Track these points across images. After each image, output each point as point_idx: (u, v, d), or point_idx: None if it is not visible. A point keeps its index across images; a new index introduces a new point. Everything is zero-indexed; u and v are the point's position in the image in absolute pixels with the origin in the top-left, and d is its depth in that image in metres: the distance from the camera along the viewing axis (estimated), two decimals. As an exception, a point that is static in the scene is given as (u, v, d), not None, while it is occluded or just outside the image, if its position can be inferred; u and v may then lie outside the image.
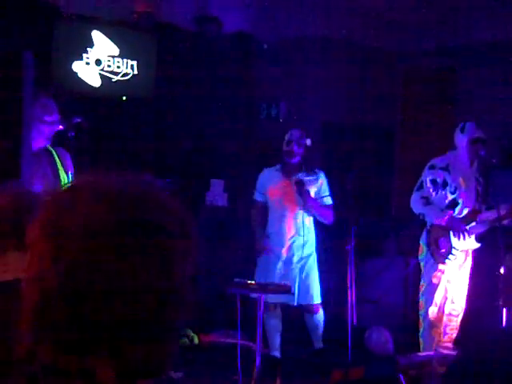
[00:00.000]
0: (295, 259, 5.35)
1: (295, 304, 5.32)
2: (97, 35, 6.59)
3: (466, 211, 5.19)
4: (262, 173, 5.51)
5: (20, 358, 0.94)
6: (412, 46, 7.67)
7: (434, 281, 5.13)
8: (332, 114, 7.52)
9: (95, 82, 6.61)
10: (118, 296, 0.93)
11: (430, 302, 5.14)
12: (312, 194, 5.33)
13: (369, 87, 7.64)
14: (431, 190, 5.13)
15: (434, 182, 5.13)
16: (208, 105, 7.15)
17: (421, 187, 5.18)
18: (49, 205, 0.98)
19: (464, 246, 5.15)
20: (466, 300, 5.22)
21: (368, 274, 6.24)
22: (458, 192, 5.15)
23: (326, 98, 7.44)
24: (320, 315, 5.41)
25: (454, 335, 5.20)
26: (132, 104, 6.79)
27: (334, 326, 5.59)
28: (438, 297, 5.13)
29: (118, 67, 6.71)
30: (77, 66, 6.50)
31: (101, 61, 6.62)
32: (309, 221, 5.40)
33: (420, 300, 5.25)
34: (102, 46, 6.63)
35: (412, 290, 6.13)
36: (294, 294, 5.14)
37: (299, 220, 5.32)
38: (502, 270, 4.98)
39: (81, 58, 6.51)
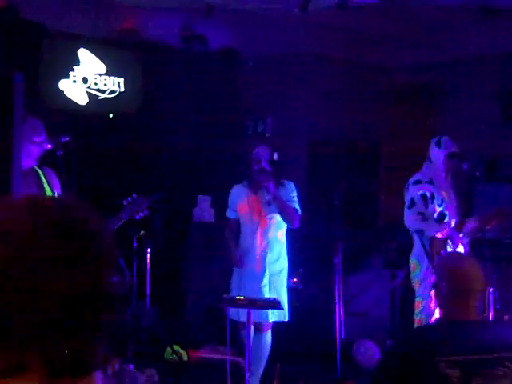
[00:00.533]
0: (266, 274, 5.28)
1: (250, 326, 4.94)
2: (83, 53, 6.64)
3: (453, 222, 5.25)
4: (232, 189, 5.46)
5: None
6: (397, 61, 7.77)
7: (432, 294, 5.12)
8: (318, 130, 7.59)
9: (82, 99, 6.64)
10: (37, 295, 0.97)
11: (430, 318, 5.13)
12: None
13: (355, 103, 7.72)
14: (423, 205, 5.11)
15: (423, 196, 5.16)
16: (195, 121, 7.20)
17: (412, 204, 5.14)
18: None
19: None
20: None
21: (355, 288, 6.28)
22: (443, 204, 5.21)
23: (313, 114, 7.51)
24: (268, 336, 5.26)
25: None
26: (119, 121, 6.83)
27: (322, 339, 5.62)
28: (437, 312, 5.12)
29: (105, 85, 6.75)
30: (63, 84, 6.53)
31: (87, 79, 6.66)
32: (281, 234, 5.38)
33: (417, 317, 5.21)
34: (89, 64, 6.67)
35: (399, 302, 6.18)
36: (283, 308, 5.10)
37: (270, 234, 5.30)
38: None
39: (67, 76, 6.55)
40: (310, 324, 5.97)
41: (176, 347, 5.81)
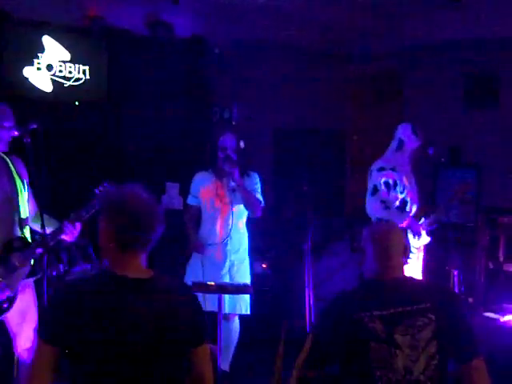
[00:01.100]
0: (227, 264, 5.26)
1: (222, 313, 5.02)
2: (47, 40, 6.55)
3: (414, 208, 5.32)
4: (195, 176, 5.44)
5: None
6: (360, 48, 7.83)
7: None
8: (284, 118, 7.62)
9: (47, 87, 6.57)
10: None
11: None
12: None
13: (319, 90, 7.77)
14: (386, 192, 5.18)
15: (386, 184, 5.21)
16: (161, 108, 7.17)
17: (375, 191, 5.19)
18: None
19: (419, 244, 5.29)
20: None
21: (324, 273, 6.34)
22: (405, 191, 5.27)
23: (278, 101, 7.54)
24: (235, 324, 5.30)
25: None
26: (85, 108, 6.77)
27: (294, 324, 5.66)
28: None
29: (70, 72, 6.68)
30: (28, 72, 6.45)
31: (52, 66, 6.58)
32: (242, 224, 5.35)
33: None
34: (53, 51, 6.59)
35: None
36: (251, 293, 5.09)
37: (231, 221, 5.27)
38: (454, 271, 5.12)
39: (32, 64, 6.46)
40: (280, 309, 6.01)
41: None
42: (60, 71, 6.62)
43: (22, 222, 4.11)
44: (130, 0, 6.70)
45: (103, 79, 6.84)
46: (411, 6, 6.77)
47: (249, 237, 5.37)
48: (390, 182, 5.20)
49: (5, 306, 3.98)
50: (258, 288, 5.27)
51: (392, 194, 5.20)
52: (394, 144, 5.34)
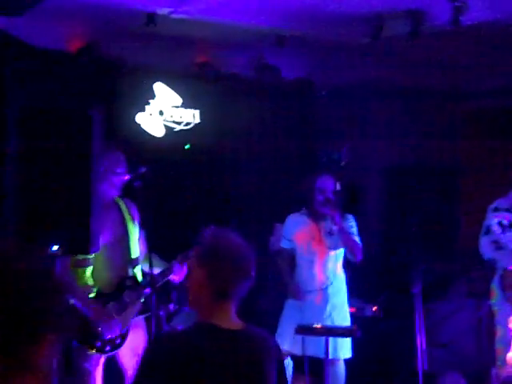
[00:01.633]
0: (328, 308, 5.14)
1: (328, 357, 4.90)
2: (159, 86, 6.77)
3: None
4: (288, 218, 5.35)
5: None
6: (473, 86, 7.61)
7: (510, 326, 4.97)
8: (393, 157, 7.48)
9: (159, 132, 6.77)
10: None
11: (508, 348, 4.98)
12: None
13: (430, 129, 7.59)
14: (499, 233, 5.02)
15: (500, 224, 5.03)
16: (269, 151, 7.22)
17: (488, 232, 5.07)
18: None
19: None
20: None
21: (437, 318, 6.09)
22: (525, 232, 5.04)
23: (387, 142, 7.43)
24: (341, 368, 5.12)
25: None
26: (195, 151, 6.91)
27: (405, 372, 5.46)
28: None
29: (181, 117, 6.86)
30: (140, 118, 6.67)
31: (163, 111, 6.79)
32: (339, 267, 5.21)
33: (497, 347, 5.08)
34: (165, 97, 6.80)
35: (485, 333, 5.95)
36: (359, 336, 4.92)
37: (330, 265, 5.14)
38: None
39: (143, 110, 6.69)
40: (391, 354, 5.82)
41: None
42: (171, 116, 6.81)
43: (133, 262, 4.26)
44: (238, 44, 6.84)
45: (212, 122, 6.98)
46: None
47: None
48: (504, 222, 5.01)
49: (118, 341, 4.13)
50: (367, 331, 5.13)
51: (507, 234, 4.99)
52: None
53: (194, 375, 2.26)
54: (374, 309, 6.19)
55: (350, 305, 6.14)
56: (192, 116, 6.91)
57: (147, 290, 4.17)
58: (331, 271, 5.16)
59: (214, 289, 2.41)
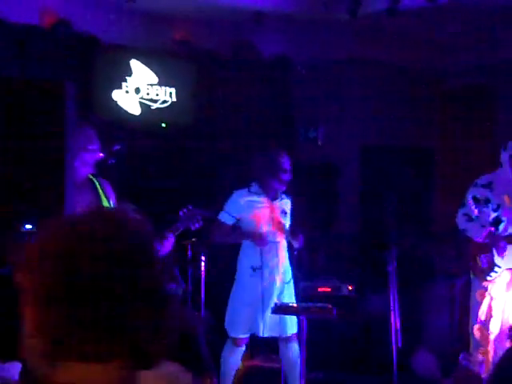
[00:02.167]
0: (283, 286, 5.01)
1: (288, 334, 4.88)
2: (135, 64, 6.70)
3: (511, 229, 5.12)
4: (236, 195, 5.03)
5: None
6: (450, 64, 7.62)
7: (478, 298, 5.10)
8: (371, 136, 7.49)
9: (135, 109, 6.70)
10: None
11: (474, 320, 5.09)
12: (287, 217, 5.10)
13: (407, 108, 7.60)
14: (473, 207, 5.16)
15: (475, 198, 5.17)
16: (247, 129, 7.18)
17: (463, 204, 5.21)
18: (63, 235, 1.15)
19: (509, 264, 5.06)
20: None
21: (412, 296, 6.14)
22: (501, 210, 5.11)
23: (365, 120, 7.42)
24: (296, 345, 4.95)
25: None
26: (172, 131, 6.86)
27: (379, 349, 5.50)
28: (481, 314, 5.05)
29: (157, 95, 6.80)
30: (116, 95, 6.60)
31: (140, 89, 6.72)
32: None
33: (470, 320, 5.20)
34: (141, 75, 6.72)
35: (458, 312, 6.01)
36: (336, 315, 4.88)
37: (285, 245, 5.04)
38: None
39: (120, 87, 6.62)
40: (366, 333, 5.86)
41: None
42: (147, 94, 6.75)
43: None
44: (215, 22, 6.78)
45: (189, 101, 6.93)
46: (508, 16, 6.52)
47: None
48: (479, 197, 5.13)
49: None
50: (343, 311, 5.14)
51: (483, 209, 5.11)
52: (503, 159, 5.14)
53: None
54: (350, 288, 6.22)
55: (325, 284, 6.16)
56: (169, 94, 6.85)
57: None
58: (286, 249, 5.10)
59: None
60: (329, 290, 6.15)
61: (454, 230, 5.27)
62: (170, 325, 1.14)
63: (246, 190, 5.05)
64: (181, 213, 4.36)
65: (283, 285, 5.03)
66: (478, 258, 5.12)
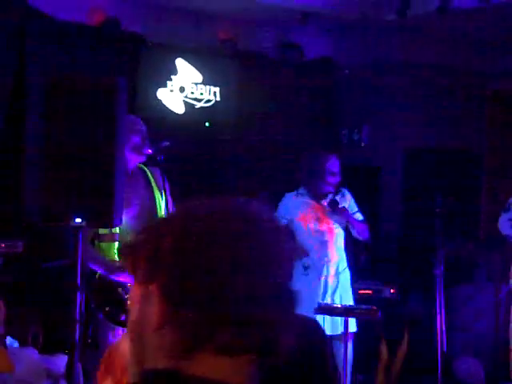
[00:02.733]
0: (339, 287, 5.06)
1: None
2: (180, 63, 6.73)
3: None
4: (287, 198, 5.11)
5: None
6: (498, 66, 7.51)
7: None
8: (416, 138, 7.41)
9: (179, 108, 6.73)
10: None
11: None
12: None
13: (454, 110, 7.50)
14: None
15: None
16: (290, 130, 7.16)
17: (508, 209, 5.09)
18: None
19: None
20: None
21: (457, 300, 6.06)
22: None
23: (410, 122, 7.35)
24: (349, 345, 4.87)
25: None
26: (215, 130, 6.87)
27: (424, 353, 5.43)
28: None
29: (201, 94, 6.82)
30: (161, 94, 6.64)
31: (184, 88, 6.74)
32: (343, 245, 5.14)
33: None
34: (186, 74, 6.75)
35: (503, 318, 5.91)
36: (380, 317, 4.86)
37: (339, 244, 5.06)
38: None
39: (165, 85, 6.65)
40: (410, 337, 5.79)
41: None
42: (192, 93, 6.77)
43: None
44: (261, 22, 6.78)
45: (233, 100, 6.93)
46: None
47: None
48: None
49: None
50: (386, 313, 5.09)
51: None
52: None
53: None
54: (392, 291, 6.15)
55: (367, 287, 6.11)
56: (213, 94, 6.87)
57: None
58: (340, 249, 5.10)
59: None
60: (370, 292, 6.10)
61: (500, 234, 5.18)
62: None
63: (294, 193, 5.12)
64: None
65: (337, 281, 5.04)
66: None
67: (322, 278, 5.01)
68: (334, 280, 5.05)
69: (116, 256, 4.02)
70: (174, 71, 6.70)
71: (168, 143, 4.23)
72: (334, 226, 5.05)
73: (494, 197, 6.93)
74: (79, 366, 3.66)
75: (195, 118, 6.80)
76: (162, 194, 4.17)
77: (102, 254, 4.03)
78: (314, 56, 7.29)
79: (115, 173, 3.52)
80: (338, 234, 5.09)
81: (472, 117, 7.61)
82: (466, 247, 6.58)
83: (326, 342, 1.43)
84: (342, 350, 4.88)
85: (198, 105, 6.81)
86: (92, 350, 3.97)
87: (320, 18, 6.61)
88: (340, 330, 4.88)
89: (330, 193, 5.05)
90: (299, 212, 5.03)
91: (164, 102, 6.65)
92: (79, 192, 3.56)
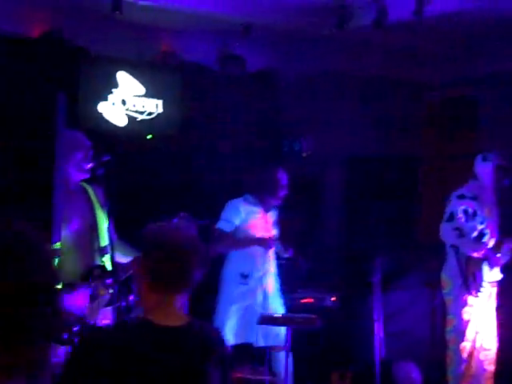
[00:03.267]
0: (274, 295, 5.20)
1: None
2: (122, 76, 6.73)
3: (492, 242, 5.15)
4: (234, 203, 5.20)
5: None
6: (435, 77, 7.72)
7: (465, 316, 5.03)
8: (355, 148, 7.56)
9: (121, 121, 6.73)
10: None
11: (461, 337, 5.05)
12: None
13: (392, 119, 7.68)
14: (463, 221, 5.03)
15: (465, 212, 5.04)
16: (232, 141, 7.23)
17: (451, 218, 5.03)
18: None
19: (492, 278, 5.12)
20: (497, 332, 5.16)
21: (394, 307, 6.19)
22: (485, 222, 5.11)
23: (349, 132, 7.49)
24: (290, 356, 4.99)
25: (493, 369, 5.13)
26: (157, 142, 6.88)
27: (362, 359, 5.55)
28: (469, 332, 5.04)
29: (143, 106, 6.83)
30: (102, 107, 6.63)
31: (125, 101, 6.75)
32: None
33: (449, 336, 5.15)
34: (128, 86, 6.76)
35: (440, 323, 6.07)
36: (320, 326, 4.95)
37: (273, 255, 5.22)
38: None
39: (106, 99, 6.64)
40: (349, 343, 5.90)
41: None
42: (133, 105, 6.78)
43: (102, 251, 4.15)
44: (202, 34, 6.83)
45: (176, 113, 6.96)
46: (490, 29, 6.62)
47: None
48: (469, 210, 5.03)
49: None
50: (326, 321, 5.18)
51: (470, 223, 5.04)
52: (483, 170, 5.14)
53: (118, 373, 2.16)
54: (333, 299, 6.26)
55: (309, 295, 6.21)
56: (155, 106, 6.89)
57: (109, 281, 4.05)
58: (274, 259, 5.21)
59: (148, 281, 2.33)
60: (311, 300, 6.20)
61: (437, 241, 5.26)
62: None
63: (242, 199, 5.17)
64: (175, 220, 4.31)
65: (274, 293, 5.11)
66: (475, 275, 5.03)
67: (262, 287, 5.07)
68: (272, 290, 5.13)
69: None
70: (116, 84, 6.69)
71: (109, 157, 4.24)
72: (275, 238, 5.16)
73: (432, 203, 7.11)
74: None
75: (137, 130, 6.81)
76: (103, 211, 4.18)
77: None
78: (256, 67, 7.37)
79: (54, 189, 3.53)
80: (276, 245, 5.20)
81: (409, 126, 7.81)
82: (404, 254, 6.73)
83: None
84: (286, 360, 4.98)
85: (140, 117, 6.82)
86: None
87: (261, 29, 6.69)
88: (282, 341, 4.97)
89: (278, 205, 5.16)
90: (249, 219, 5.11)
91: (105, 115, 6.64)
92: (16, 207, 3.56)
